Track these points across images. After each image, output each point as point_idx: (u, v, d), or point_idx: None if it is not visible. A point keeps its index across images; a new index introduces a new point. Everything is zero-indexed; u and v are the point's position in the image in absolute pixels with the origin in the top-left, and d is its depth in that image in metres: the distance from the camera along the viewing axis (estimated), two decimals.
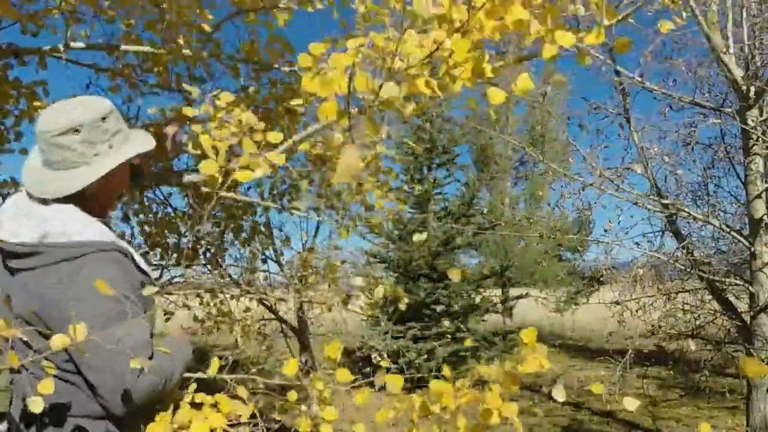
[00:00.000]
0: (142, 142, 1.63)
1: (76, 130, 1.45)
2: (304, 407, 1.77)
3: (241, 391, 1.71)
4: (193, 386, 1.67)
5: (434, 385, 1.56)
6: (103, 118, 1.50)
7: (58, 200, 1.47)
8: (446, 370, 1.58)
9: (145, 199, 3.59)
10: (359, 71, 1.29)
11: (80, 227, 1.45)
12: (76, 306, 1.33)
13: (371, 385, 1.87)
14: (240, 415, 1.59)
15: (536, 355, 1.40)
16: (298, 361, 1.70)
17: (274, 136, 1.79)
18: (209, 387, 1.67)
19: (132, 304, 1.35)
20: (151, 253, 3.44)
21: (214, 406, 1.59)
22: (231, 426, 1.58)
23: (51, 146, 1.46)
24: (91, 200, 1.52)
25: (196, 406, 1.59)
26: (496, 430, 1.45)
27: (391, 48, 1.32)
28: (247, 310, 4.29)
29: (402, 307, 2.78)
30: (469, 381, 1.52)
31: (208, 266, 4.03)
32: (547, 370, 1.38)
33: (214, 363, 1.75)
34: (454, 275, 1.72)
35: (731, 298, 6.09)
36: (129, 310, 1.33)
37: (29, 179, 1.51)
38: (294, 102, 1.85)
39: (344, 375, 1.70)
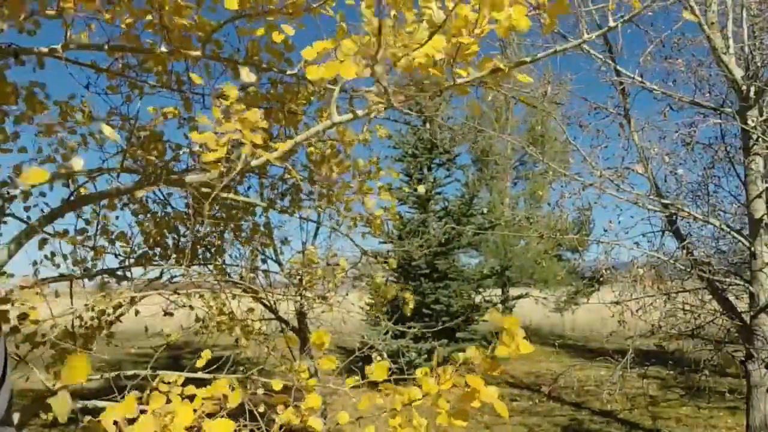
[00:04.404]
0: None
1: None
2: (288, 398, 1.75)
3: (224, 383, 1.71)
4: (181, 378, 1.68)
5: (419, 373, 1.58)
6: None
7: None
8: (434, 359, 1.58)
9: (144, 199, 3.58)
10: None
11: None
12: None
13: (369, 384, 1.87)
14: (225, 396, 1.57)
15: (515, 340, 1.39)
16: (298, 360, 1.69)
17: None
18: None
19: None
20: (151, 252, 3.43)
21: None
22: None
23: None
24: None
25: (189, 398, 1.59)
26: (492, 429, 1.44)
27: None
28: (251, 310, 4.27)
29: (408, 311, 2.76)
30: (452, 368, 1.52)
31: (209, 266, 4.02)
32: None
33: (205, 354, 1.74)
34: None
35: (731, 298, 6.09)
36: None
37: None
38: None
39: (328, 363, 1.70)
